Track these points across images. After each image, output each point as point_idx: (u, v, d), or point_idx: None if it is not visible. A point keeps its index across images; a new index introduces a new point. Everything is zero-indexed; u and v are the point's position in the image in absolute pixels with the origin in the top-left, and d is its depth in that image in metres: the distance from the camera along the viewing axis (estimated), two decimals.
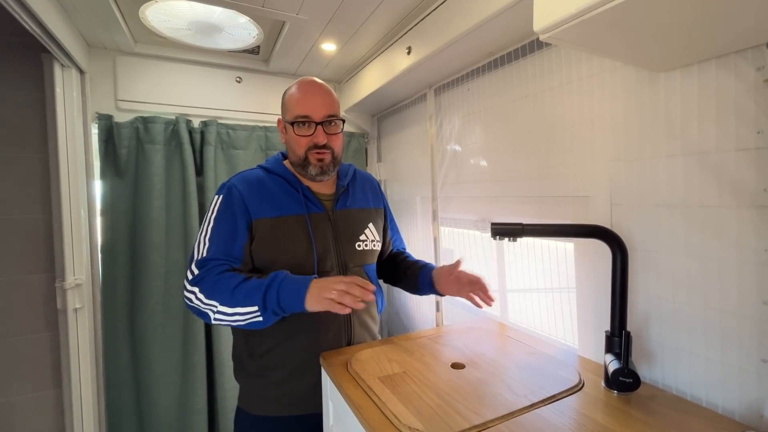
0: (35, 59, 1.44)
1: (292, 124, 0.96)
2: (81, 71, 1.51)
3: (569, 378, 0.80)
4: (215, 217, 0.93)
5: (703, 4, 0.51)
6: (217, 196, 0.97)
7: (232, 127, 1.78)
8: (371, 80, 1.68)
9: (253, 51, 1.73)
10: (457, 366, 0.87)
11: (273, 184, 0.99)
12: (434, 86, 1.58)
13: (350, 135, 2.07)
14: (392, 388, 0.77)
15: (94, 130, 1.56)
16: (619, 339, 0.77)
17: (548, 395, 0.73)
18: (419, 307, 1.81)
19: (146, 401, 1.62)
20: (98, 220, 1.57)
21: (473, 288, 1.02)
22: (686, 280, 0.76)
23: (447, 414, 0.67)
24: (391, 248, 1.23)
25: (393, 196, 2.00)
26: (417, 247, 1.78)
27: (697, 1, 0.51)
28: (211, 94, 1.78)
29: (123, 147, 1.58)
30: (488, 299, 1.02)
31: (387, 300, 2.05)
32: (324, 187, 1.04)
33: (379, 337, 1.09)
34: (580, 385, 0.78)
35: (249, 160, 1.81)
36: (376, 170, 2.11)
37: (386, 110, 2.01)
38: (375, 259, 1.10)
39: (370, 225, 1.08)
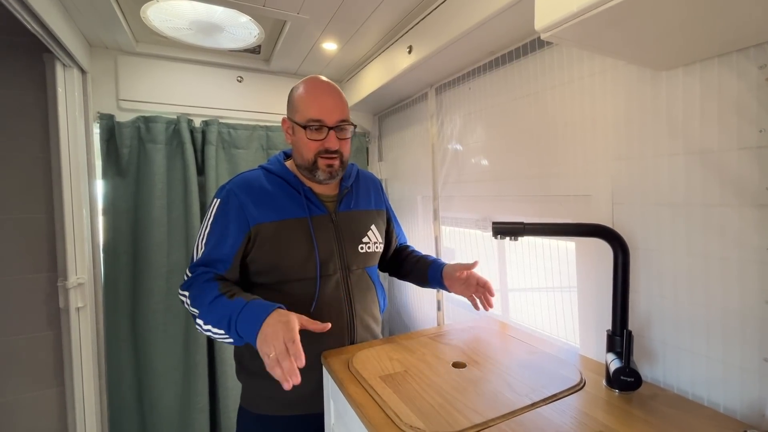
0: (37, 59, 1.44)
1: (305, 127, 0.92)
2: (83, 71, 1.51)
3: (570, 377, 0.80)
4: (211, 221, 0.93)
5: (705, 3, 0.51)
6: (215, 200, 0.95)
7: (234, 127, 1.79)
8: (372, 79, 1.68)
9: (254, 50, 1.73)
10: (458, 365, 0.87)
11: (274, 187, 0.97)
12: (435, 85, 1.58)
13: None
14: (393, 387, 0.77)
15: (96, 130, 1.56)
16: (620, 338, 0.77)
17: (549, 394, 0.73)
18: (420, 306, 1.81)
19: (148, 400, 1.62)
20: (100, 220, 1.57)
21: (479, 290, 1.03)
22: (688, 279, 0.76)
23: (448, 413, 0.67)
24: (395, 244, 1.23)
25: (394, 195, 2.00)
26: (418, 246, 1.76)
27: None
28: (212, 93, 1.78)
29: (125, 146, 1.59)
30: (488, 304, 1.04)
31: (388, 299, 2.06)
32: (326, 189, 1.03)
33: (381, 337, 1.09)
34: (582, 384, 0.78)
35: (250, 159, 1.81)
36: (377, 169, 2.11)
37: (387, 109, 2.01)
38: (377, 261, 1.10)
39: (373, 227, 1.07)
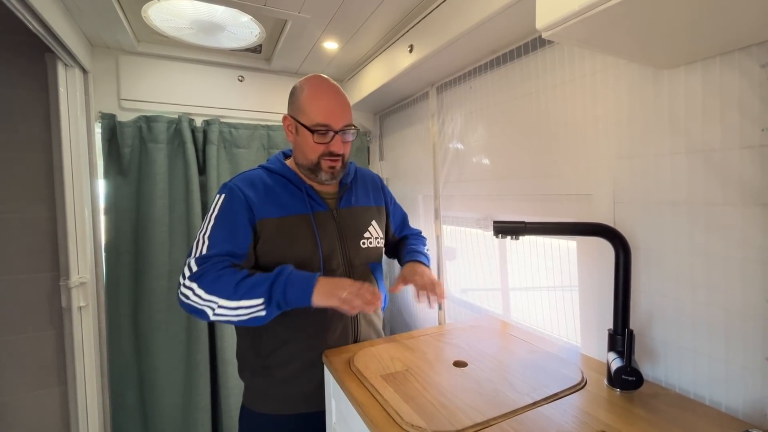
0: (39, 59, 1.45)
1: (312, 131, 0.93)
2: (84, 71, 1.51)
3: (572, 376, 0.80)
4: (217, 215, 0.92)
5: (707, 1, 0.51)
6: (218, 195, 0.95)
7: (235, 126, 1.79)
8: (373, 78, 1.67)
9: (256, 50, 1.73)
10: (459, 364, 0.87)
11: (276, 184, 0.98)
12: (436, 84, 1.58)
13: None
14: (395, 386, 0.77)
15: (98, 129, 1.57)
16: (621, 337, 0.77)
17: (551, 393, 0.73)
18: (421, 305, 1.81)
19: (150, 398, 1.63)
20: (102, 219, 1.58)
21: (431, 288, 0.98)
22: (690, 278, 0.76)
23: (449, 412, 0.68)
24: (395, 238, 1.23)
25: (395, 194, 1.97)
26: None
27: None
28: (213, 92, 1.78)
29: (126, 146, 1.59)
30: (431, 301, 0.99)
31: (389, 298, 2.06)
32: (327, 186, 1.03)
33: (384, 334, 1.10)
34: (583, 383, 0.78)
35: (251, 158, 1.81)
36: (378, 168, 2.11)
37: (388, 108, 2.01)
38: (379, 257, 1.10)
39: (374, 222, 1.08)
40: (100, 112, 1.56)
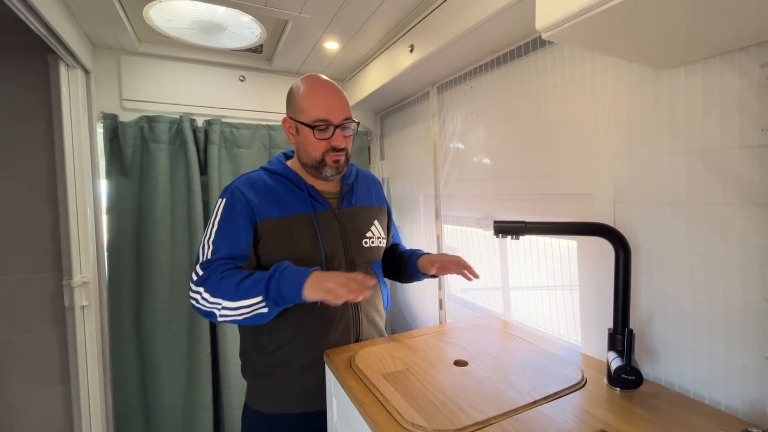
0: (41, 60, 1.45)
1: (312, 128, 0.93)
2: (86, 71, 1.52)
3: (572, 375, 0.80)
4: (219, 220, 0.93)
5: (707, 2, 0.51)
6: (220, 199, 0.96)
7: (236, 126, 1.79)
8: (374, 78, 1.68)
9: (256, 50, 1.73)
10: (459, 363, 0.87)
11: (277, 185, 0.99)
12: (437, 84, 1.58)
13: None
14: (395, 385, 0.77)
15: (100, 130, 1.57)
16: (621, 336, 0.78)
17: (551, 392, 0.73)
18: (422, 304, 1.81)
19: (152, 397, 1.64)
20: (104, 219, 1.58)
21: (458, 268, 1.01)
22: (690, 277, 0.76)
23: (450, 411, 0.68)
24: (391, 241, 1.23)
25: (396, 194, 2.01)
26: (420, 245, 1.78)
27: None
28: (214, 93, 1.79)
29: (128, 146, 1.59)
30: (473, 275, 1.02)
31: (390, 298, 2.06)
32: (328, 186, 1.04)
33: (386, 333, 1.10)
34: (583, 383, 0.78)
35: (253, 158, 1.82)
36: (378, 168, 2.11)
37: (389, 108, 2.01)
38: (381, 256, 1.11)
39: (376, 222, 1.08)
40: (102, 113, 1.57)
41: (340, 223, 1.01)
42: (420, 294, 1.82)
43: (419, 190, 1.79)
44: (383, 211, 1.15)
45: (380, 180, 1.25)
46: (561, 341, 1.09)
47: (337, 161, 0.97)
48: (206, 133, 1.71)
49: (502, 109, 1.25)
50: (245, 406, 1.02)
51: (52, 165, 1.51)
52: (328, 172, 0.98)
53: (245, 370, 1.02)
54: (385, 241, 1.11)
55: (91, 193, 1.53)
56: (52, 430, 1.56)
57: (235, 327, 1.08)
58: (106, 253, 1.59)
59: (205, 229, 0.96)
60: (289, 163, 1.05)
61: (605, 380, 0.79)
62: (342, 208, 1.03)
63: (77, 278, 1.44)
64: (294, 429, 0.97)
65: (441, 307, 1.66)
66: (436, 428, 0.63)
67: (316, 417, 0.97)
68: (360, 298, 0.81)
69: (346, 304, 0.98)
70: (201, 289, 0.87)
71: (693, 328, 0.76)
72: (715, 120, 0.71)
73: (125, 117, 1.60)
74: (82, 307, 1.48)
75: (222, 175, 1.74)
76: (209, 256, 0.90)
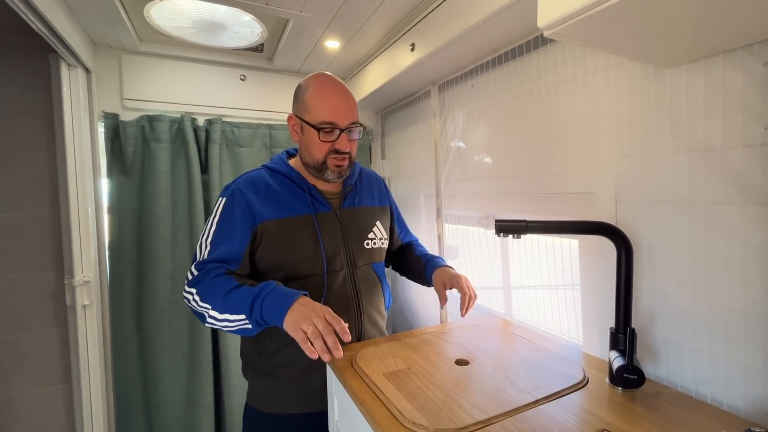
0: (42, 59, 1.46)
1: (318, 129, 0.92)
2: (87, 70, 1.52)
3: (573, 374, 0.80)
4: (218, 220, 0.93)
5: (709, 0, 0.51)
6: (220, 199, 0.96)
7: (237, 125, 1.79)
8: (375, 77, 1.67)
9: (257, 49, 1.73)
10: (461, 362, 0.87)
11: (278, 185, 0.98)
12: (438, 83, 1.58)
13: None
14: (397, 384, 0.77)
15: (101, 129, 1.57)
16: (623, 336, 0.77)
17: (552, 391, 0.73)
18: (424, 304, 1.81)
19: (154, 396, 1.64)
20: (105, 218, 1.59)
21: (463, 298, 1.03)
22: (691, 277, 0.76)
23: (451, 410, 0.68)
24: (400, 243, 1.23)
25: (397, 193, 2.00)
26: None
27: None
28: (215, 92, 1.79)
29: (129, 145, 1.60)
30: (464, 310, 1.03)
31: (392, 297, 2.06)
32: (330, 185, 1.03)
33: (387, 333, 1.10)
34: (585, 382, 0.78)
35: (253, 157, 1.82)
36: (380, 167, 2.11)
37: (390, 107, 2.01)
38: (383, 257, 1.10)
39: (378, 223, 1.08)
40: (103, 112, 1.57)
41: (342, 223, 1.01)
42: (421, 293, 1.82)
43: (420, 189, 1.79)
44: (386, 211, 1.14)
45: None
46: (562, 340, 1.09)
47: (339, 166, 0.96)
48: (207, 132, 1.72)
49: (503, 107, 1.25)
50: (246, 405, 1.02)
51: (53, 164, 1.52)
52: (329, 175, 0.97)
53: (246, 370, 1.02)
54: (387, 242, 1.11)
55: (92, 193, 1.53)
56: (54, 429, 1.57)
57: None
58: (107, 252, 1.59)
59: (204, 227, 0.96)
60: (291, 161, 1.04)
61: (607, 379, 0.79)
62: (344, 209, 1.02)
63: (78, 277, 1.44)
64: (295, 429, 0.97)
65: (442, 306, 1.66)
66: (437, 427, 0.63)
67: (318, 417, 0.96)
68: (327, 359, 0.74)
69: (348, 303, 0.98)
70: (194, 291, 0.87)
71: (695, 327, 0.76)
72: (718, 118, 0.71)
73: (126, 116, 1.61)
74: (84, 306, 1.48)
75: (223, 174, 1.74)
76: (205, 256, 0.90)
